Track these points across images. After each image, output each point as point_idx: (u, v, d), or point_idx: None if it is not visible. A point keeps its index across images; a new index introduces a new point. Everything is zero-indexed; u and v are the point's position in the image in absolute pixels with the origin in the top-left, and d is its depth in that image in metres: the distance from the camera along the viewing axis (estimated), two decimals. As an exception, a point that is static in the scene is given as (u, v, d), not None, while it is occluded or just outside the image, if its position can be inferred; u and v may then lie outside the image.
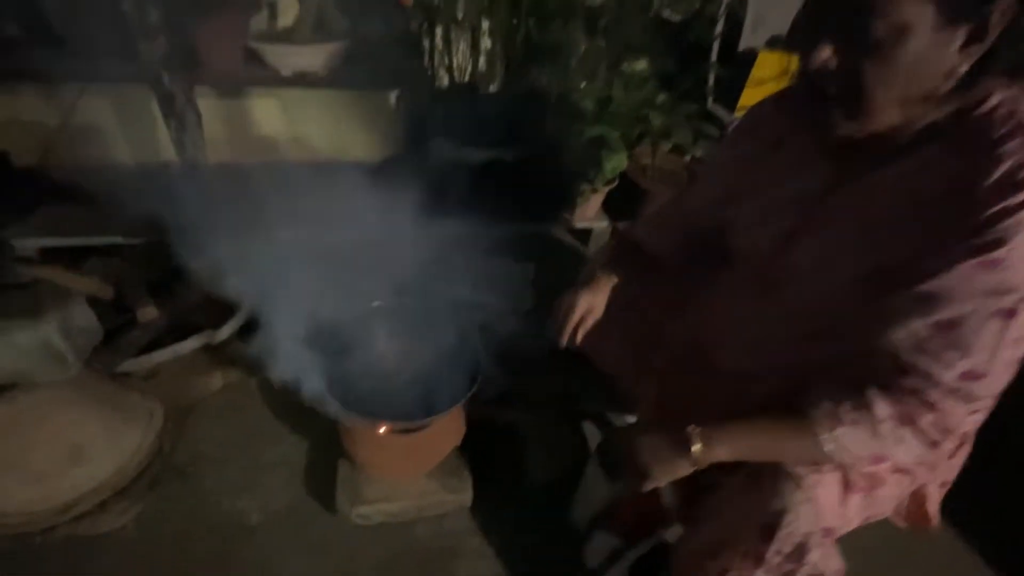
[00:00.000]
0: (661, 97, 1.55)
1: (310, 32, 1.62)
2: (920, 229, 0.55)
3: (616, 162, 1.55)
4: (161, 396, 1.06)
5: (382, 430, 0.87)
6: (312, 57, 1.56)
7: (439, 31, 1.70)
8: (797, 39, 0.56)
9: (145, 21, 1.37)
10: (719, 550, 0.66)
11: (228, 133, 1.81)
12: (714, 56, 1.79)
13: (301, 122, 1.77)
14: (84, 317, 0.84)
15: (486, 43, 1.77)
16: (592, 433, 1.24)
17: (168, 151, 1.68)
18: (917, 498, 0.79)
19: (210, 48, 1.52)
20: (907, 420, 0.56)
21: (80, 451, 0.83)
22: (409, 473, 0.98)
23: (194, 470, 1.08)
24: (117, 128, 1.69)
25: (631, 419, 1.25)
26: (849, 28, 0.51)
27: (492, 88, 1.71)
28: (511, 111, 1.68)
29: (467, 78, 1.76)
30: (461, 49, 1.73)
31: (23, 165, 1.55)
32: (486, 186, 1.68)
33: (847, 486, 0.64)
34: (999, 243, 0.49)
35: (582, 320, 0.93)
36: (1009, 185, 0.49)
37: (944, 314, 0.52)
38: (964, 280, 0.50)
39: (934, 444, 0.56)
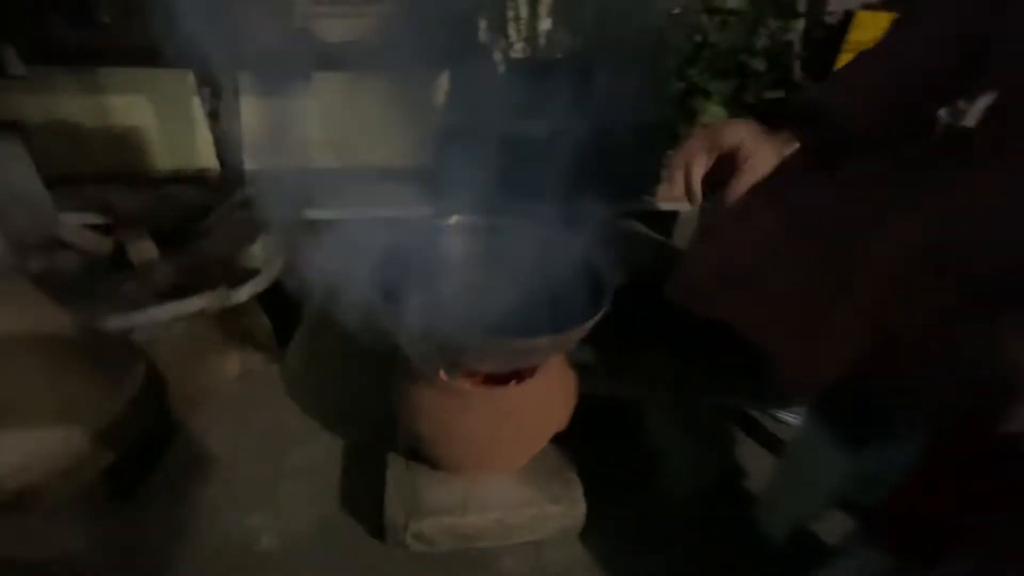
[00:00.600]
0: (762, 39, 1.31)
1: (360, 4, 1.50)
2: None
3: (715, 113, 1.29)
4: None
5: (461, 378, 0.56)
6: (360, 23, 1.43)
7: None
8: None
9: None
10: None
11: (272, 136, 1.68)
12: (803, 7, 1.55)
13: (352, 106, 1.62)
14: (25, 181, 0.60)
15: (545, 23, 1.62)
16: (737, 432, 0.88)
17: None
18: None
19: (254, 26, 1.40)
20: None
21: (6, 405, 0.53)
22: (498, 462, 0.65)
23: (194, 476, 0.78)
24: (149, 114, 1.58)
25: (794, 418, 0.89)
26: None
27: (558, 55, 1.52)
28: (581, 76, 1.47)
29: (528, 52, 1.59)
30: (520, 22, 1.58)
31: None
32: (553, 161, 1.45)
33: None
34: None
35: (732, 158, 0.60)
36: None
37: None
38: None
39: None
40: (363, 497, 0.75)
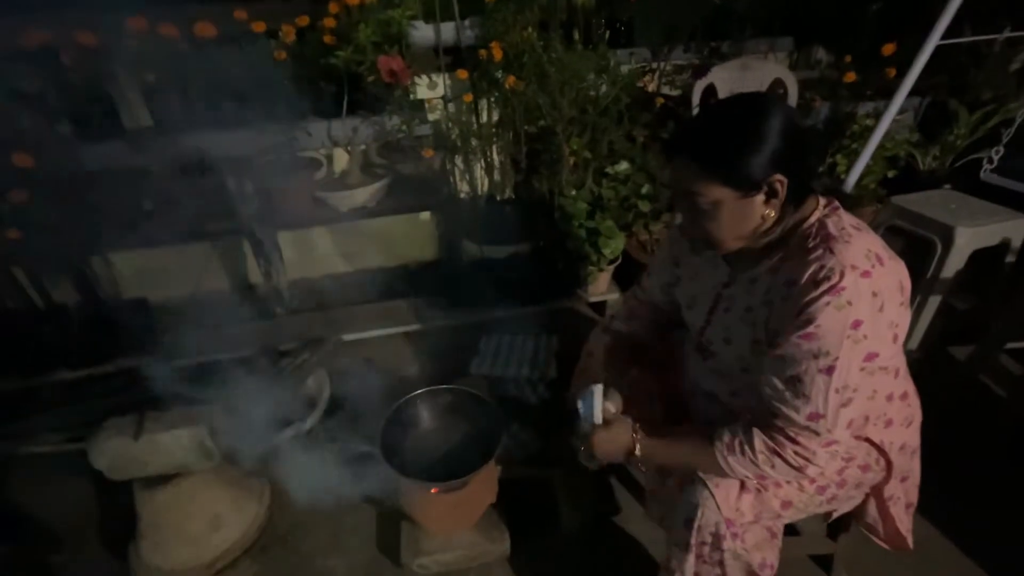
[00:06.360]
0: (646, 188, 1.83)
1: (360, 175, 2.07)
2: (774, 312, 0.79)
3: (614, 246, 1.83)
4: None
5: (432, 491, 1.14)
6: (363, 195, 2.00)
7: (459, 160, 2.10)
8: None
9: (242, 190, 1.83)
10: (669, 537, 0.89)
11: (303, 256, 2.25)
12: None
13: (361, 243, 2.18)
14: (229, 424, 1.18)
15: (496, 163, 2.16)
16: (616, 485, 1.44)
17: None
18: (888, 521, 0.95)
19: (287, 201, 1.98)
20: (775, 452, 0.77)
21: (218, 520, 1.14)
22: (456, 527, 1.23)
23: (293, 536, 1.37)
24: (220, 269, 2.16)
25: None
26: (685, 204, 0.80)
27: (505, 195, 2.07)
28: (523, 214, 2.01)
29: (484, 191, 2.13)
30: (477, 170, 2.12)
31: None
32: (510, 275, 2.00)
33: (742, 488, 0.85)
34: (811, 321, 0.72)
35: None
36: (812, 282, 0.72)
37: (788, 372, 0.74)
38: (795, 348, 0.73)
39: (799, 468, 0.77)
40: (389, 542, 1.33)
